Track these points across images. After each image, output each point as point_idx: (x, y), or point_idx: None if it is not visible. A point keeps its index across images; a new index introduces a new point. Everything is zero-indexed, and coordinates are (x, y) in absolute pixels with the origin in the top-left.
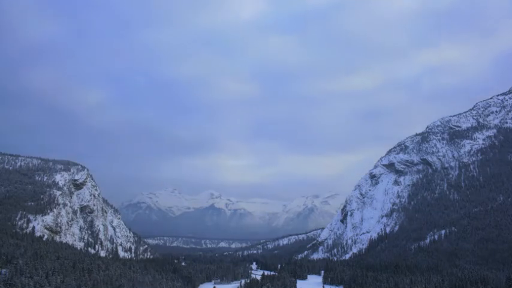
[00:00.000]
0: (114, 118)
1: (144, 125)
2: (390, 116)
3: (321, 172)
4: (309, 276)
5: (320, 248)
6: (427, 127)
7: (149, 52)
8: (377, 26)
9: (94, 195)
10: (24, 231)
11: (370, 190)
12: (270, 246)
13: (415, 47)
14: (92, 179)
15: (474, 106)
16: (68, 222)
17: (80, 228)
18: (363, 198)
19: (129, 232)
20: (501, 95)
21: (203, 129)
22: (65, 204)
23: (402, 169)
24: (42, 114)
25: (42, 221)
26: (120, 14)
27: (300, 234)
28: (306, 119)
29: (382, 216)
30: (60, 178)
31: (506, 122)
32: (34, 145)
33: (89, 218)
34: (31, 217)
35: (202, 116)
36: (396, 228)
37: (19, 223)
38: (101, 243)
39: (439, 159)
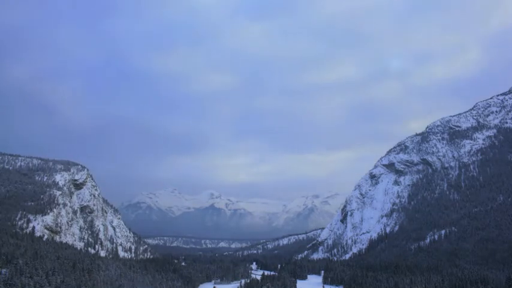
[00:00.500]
0: (92, 113)
1: (125, 120)
2: (383, 108)
3: (321, 172)
4: (309, 276)
5: (320, 248)
6: (427, 127)
7: (120, 44)
8: (361, 12)
9: (94, 195)
10: (24, 231)
11: (370, 190)
12: (270, 246)
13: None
14: (92, 179)
15: (474, 106)
16: (68, 222)
17: (80, 228)
18: (363, 198)
19: (129, 232)
20: (501, 95)
21: (190, 125)
22: (65, 204)
23: (402, 169)
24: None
25: (42, 221)
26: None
27: (300, 234)
28: (296, 113)
29: (382, 216)
30: (60, 178)
31: (506, 122)
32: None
33: (89, 218)
34: (31, 217)
35: (186, 110)
36: (396, 228)
37: (19, 223)
38: (101, 243)
39: (439, 159)
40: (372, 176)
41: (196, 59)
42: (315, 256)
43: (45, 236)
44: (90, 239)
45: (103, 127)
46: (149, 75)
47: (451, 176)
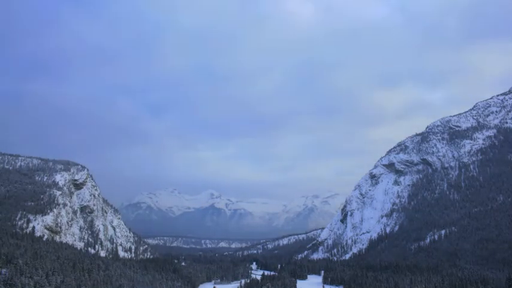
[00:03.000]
0: None
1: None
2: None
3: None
4: (309, 276)
5: (320, 248)
6: (427, 127)
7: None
8: None
9: (94, 195)
10: (24, 231)
11: (370, 190)
12: (270, 246)
13: None
14: (92, 179)
15: (474, 106)
16: (68, 222)
17: (80, 228)
18: (363, 198)
19: (129, 232)
20: (501, 95)
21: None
22: (65, 204)
23: (402, 169)
24: None
25: (42, 221)
26: None
27: (300, 234)
28: None
29: (382, 216)
30: (60, 178)
31: (506, 122)
32: None
33: (89, 218)
34: (31, 217)
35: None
36: (396, 228)
37: (19, 223)
38: (101, 243)
39: (439, 159)
40: (372, 176)
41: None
42: (315, 256)
43: (45, 236)
44: (90, 239)
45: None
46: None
47: (451, 176)
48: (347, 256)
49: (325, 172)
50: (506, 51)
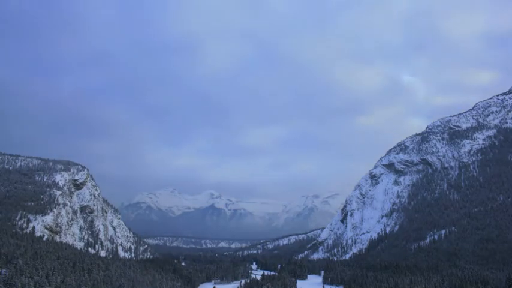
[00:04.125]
0: None
1: None
2: None
3: (320, 171)
4: (309, 276)
5: (320, 248)
6: (427, 127)
7: None
8: None
9: (94, 195)
10: (24, 231)
11: (370, 190)
12: (270, 246)
13: None
14: (92, 179)
15: (474, 106)
16: (68, 222)
17: (80, 228)
18: (363, 198)
19: (129, 232)
20: (501, 95)
21: None
22: (65, 204)
23: (402, 169)
24: None
25: (42, 221)
26: None
27: (300, 234)
28: None
29: (382, 216)
30: (60, 178)
31: (506, 122)
32: None
33: (89, 218)
34: (31, 217)
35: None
36: (396, 228)
37: (19, 223)
38: (101, 243)
39: (439, 159)
40: (372, 176)
41: None
42: (315, 256)
43: (45, 236)
44: (90, 239)
45: None
46: None
47: (451, 176)
48: (347, 256)
49: (325, 172)
50: None
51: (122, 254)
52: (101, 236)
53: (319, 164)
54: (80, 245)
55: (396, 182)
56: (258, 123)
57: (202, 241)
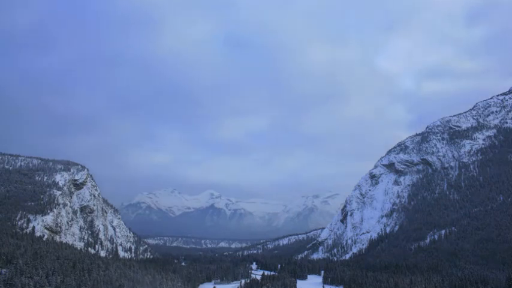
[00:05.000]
0: None
1: None
2: None
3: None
4: (309, 276)
5: (320, 248)
6: (427, 127)
7: None
8: None
9: (94, 195)
10: (24, 231)
11: (370, 190)
12: (270, 246)
13: None
14: (92, 179)
15: (474, 106)
16: (68, 222)
17: (80, 228)
18: (363, 198)
19: (129, 232)
20: (501, 95)
21: None
22: (65, 204)
23: (402, 169)
24: None
25: (42, 221)
26: None
27: (300, 234)
28: None
29: (382, 216)
30: (60, 178)
31: (506, 122)
32: None
33: (89, 218)
34: (31, 217)
35: None
36: (396, 228)
37: (19, 223)
38: (101, 243)
39: (439, 159)
40: (372, 176)
41: None
42: (315, 256)
43: (45, 236)
44: (90, 239)
45: None
46: None
47: (451, 176)
48: (347, 256)
49: (326, 172)
50: None
51: (122, 254)
52: (101, 236)
53: (319, 164)
54: (80, 245)
55: (396, 182)
56: (233, 114)
57: (202, 241)
